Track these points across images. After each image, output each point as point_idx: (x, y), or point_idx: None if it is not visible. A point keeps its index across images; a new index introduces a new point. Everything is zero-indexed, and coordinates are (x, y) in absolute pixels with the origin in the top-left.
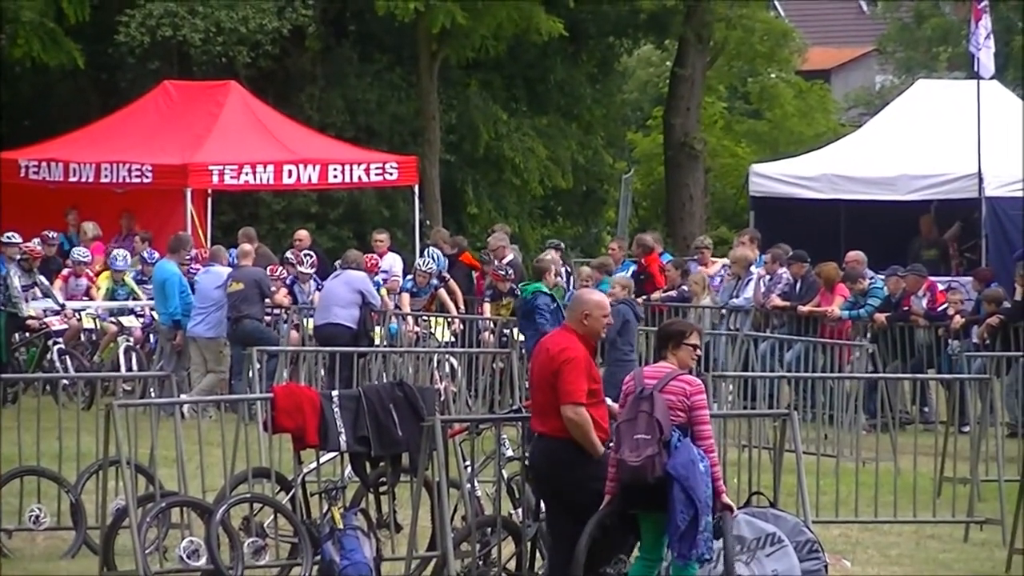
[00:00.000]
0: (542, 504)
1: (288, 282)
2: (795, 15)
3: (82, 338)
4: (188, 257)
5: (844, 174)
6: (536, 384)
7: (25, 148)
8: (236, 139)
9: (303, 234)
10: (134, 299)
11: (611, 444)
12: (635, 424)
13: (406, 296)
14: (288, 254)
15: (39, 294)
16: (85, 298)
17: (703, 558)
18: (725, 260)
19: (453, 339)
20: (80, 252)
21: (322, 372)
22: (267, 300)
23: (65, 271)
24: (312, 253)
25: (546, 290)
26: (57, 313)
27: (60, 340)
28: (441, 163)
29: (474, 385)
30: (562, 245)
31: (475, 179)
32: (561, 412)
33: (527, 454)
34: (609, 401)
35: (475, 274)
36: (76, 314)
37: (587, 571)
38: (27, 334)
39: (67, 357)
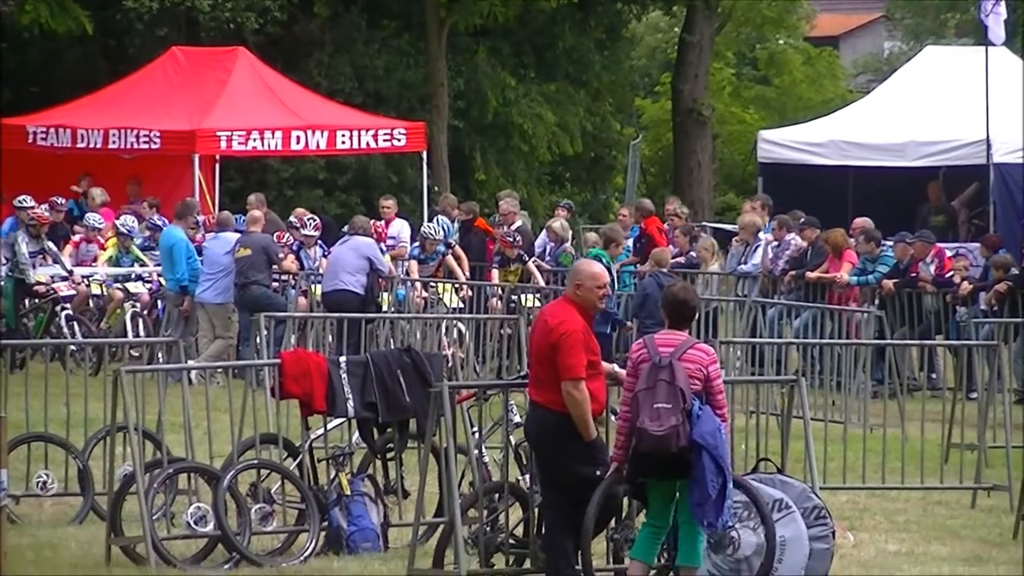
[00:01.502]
0: None
1: (294, 248)
2: None
3: (91, 304)
4: (195, 223)
5: (852, 140)
6: (535, 355)
7: (33, 114)
8: (244, 105)
9: (301, 212)
10: (140, 266)
11: (614, 414)
12: (654, 393)
13: (414, 263)
14: (292, 218)
15: (48, 260)
16: (95, 264)
17: (727, 525)
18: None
19: (461, 305)
20: (94, 218)
21: (330, 338)
22: (275, 266)
23: (76, 237)
24: (315, 217)
25: (606, 260)
26: (65, 279)
27: (68, 306)
28: (449, 129)
29: (482, 351)
30: (571, 205)
31: (483, 145)
32: (562, 388)
33: None
34: (616, 367)
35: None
36: (84, 280)
37: (585, 537)
38: (35, 300)
39: (75, 323)
